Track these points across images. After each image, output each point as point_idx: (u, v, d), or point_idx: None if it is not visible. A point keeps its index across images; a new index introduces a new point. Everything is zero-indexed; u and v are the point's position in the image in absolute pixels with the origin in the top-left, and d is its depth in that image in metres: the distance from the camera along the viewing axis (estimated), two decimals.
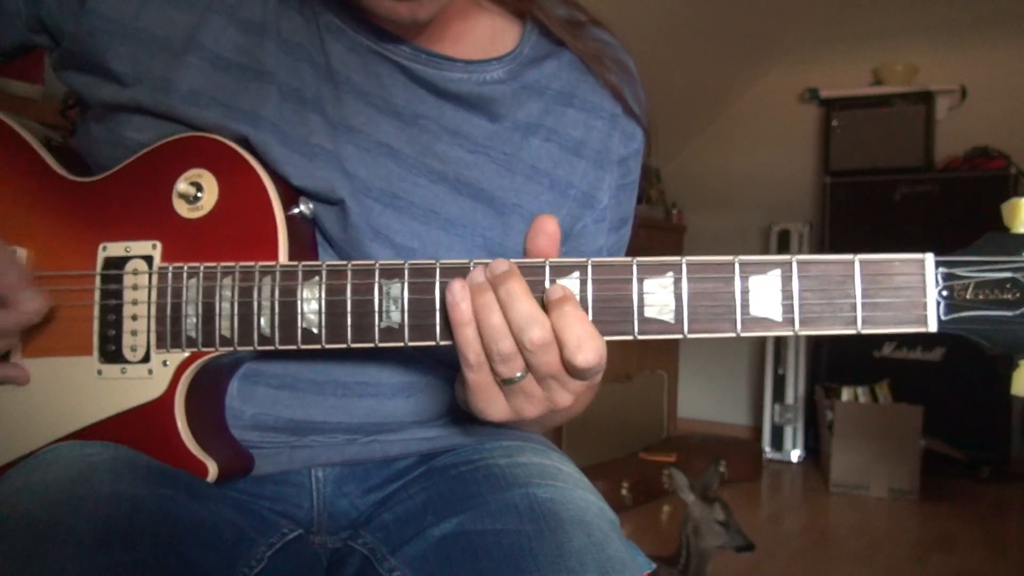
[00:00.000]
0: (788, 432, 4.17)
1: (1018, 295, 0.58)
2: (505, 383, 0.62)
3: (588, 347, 0.59)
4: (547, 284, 0.63)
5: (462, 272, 0.64)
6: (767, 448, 4.18)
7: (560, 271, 0.63)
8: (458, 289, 0.61)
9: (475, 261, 0.64)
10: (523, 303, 0.59)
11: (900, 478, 3.50)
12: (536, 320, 0.59)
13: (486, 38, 0.80)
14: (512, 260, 0.63)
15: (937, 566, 2.77)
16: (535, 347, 0.59)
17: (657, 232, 4.20)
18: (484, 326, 0.60)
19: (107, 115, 0.75)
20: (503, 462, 0.74)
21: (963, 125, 4.03)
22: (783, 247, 4.19)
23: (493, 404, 0.64)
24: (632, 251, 0.63)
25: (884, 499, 3.50)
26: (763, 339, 4.29)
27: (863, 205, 4.02)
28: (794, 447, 4.15)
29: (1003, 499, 3.55)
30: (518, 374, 0.61)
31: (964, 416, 3.69)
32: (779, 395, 4.20)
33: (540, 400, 0.63)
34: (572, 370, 0.60)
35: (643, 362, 4.04)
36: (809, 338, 4.16)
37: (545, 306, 0.61)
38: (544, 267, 0.63)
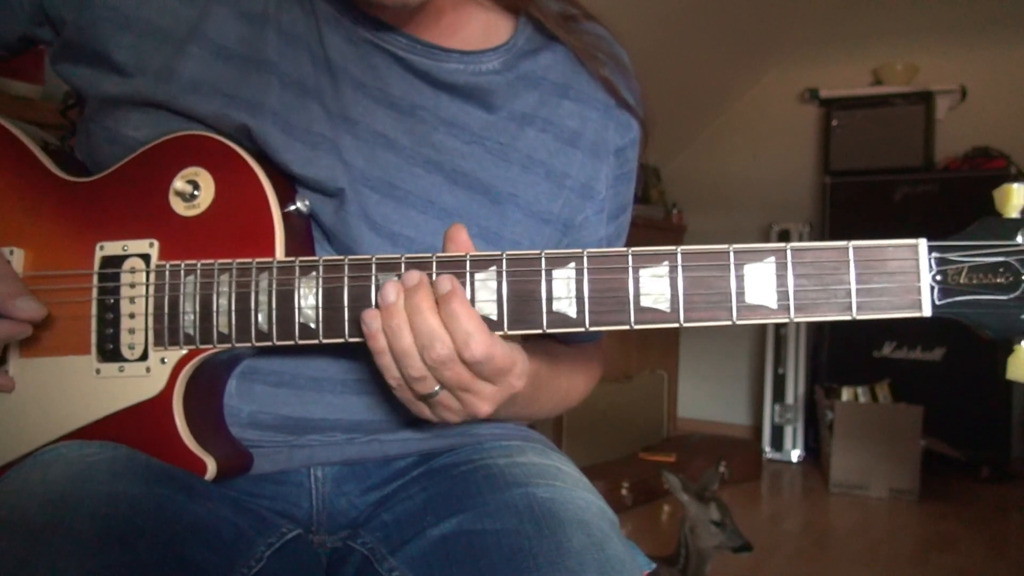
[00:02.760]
0: (788, 432, 4.16)
1: (1011, 279, 0.58)
2: (424, 399, 0.65)
3: (474, 341, 0.61)
4: (543, 275, 0.63)
5: (458, 265, 0.64)
6: (767, 448, 4.17)
7: (556, 262, 0.63)
8: (371, 319, 0.63)
9: (471, 255, 0.64)
10: (425, 319, 0.61)
11: (900, 478, 3.49)
12: (437, 337, 0.61)
13: (480, 30, 0.80)
14: (509, 252, 0.64)
15: (937, 566, 2.76)
16: (438, 363, 0.62)
17: (657, 232, 4.20)
18: (395, 349, 0.63)
19: (105, 112, 0.75)
20: (502, 462, 0.74)
21: (963, 125, 4.03)
22: None
23: (421, 413, 0.68)
24: None
25: (884, 499, 3.50)
26: (763, 339, 4.29)
27: (863, 205, 4.01)
28: (794, 447, 4.15)
29: (1003, 499, 3.54)
30: (435, 389, 0.64)
31: (964, 416, 3.68)
32: (779, 395, 4.20)
33: (458, 411, 0.66)
34: (467, 364, 0.63)
35: (643, 362, 4.03)
36: (809, 338, 4.16)
37: (436, 298, 0.62)
38: (540, 258, 0.63)
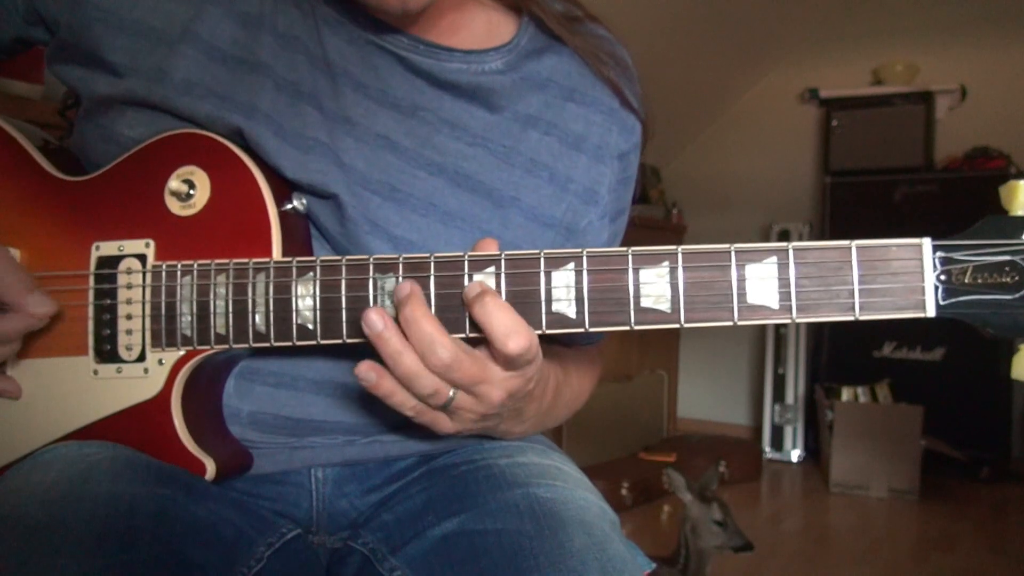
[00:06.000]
0: (788, 432, 4.16)
1: (1017, 278, 0.57)
2: (442, 408, 0.64)
3: (516, 333, 0.60)
4: (542, 276, 0.63)
5: (456, 266, 0.64)
6: (767, 448, 4.18)
7: (556, 262, 0.63)
8: (366, 370, 0.61)
9: (469, 254, 0.64)
10: (423, 326, 0.60)
11: (900, 478, 3.50)
12: (435, 342, 0.60)
13: (482, 30, 0.80)
14: (508, 252, 0.63)
15: (937, 566, 2.76)
16: (443, 368, 0.61)
17: (657, 232, 4.20)
18: (401, 376, 0.62)
19: (101, 110, 0.75)
20: (503, 462, 0.74)
21: (963, 125, 4.03)
22: None
23: (441, 426, 0.67)
24: None
25: (884, 499, 3.50)
26: (763, 338, 4.29)
27: (863, 205, 4.02)
28: (794, 447, 4.15)
29: (1003, 499, 3.54)
30: (450, 394, 0.63)
31: (964, 416, 3.68)
32: (779, 395, 4.20)
33: (474, 407, 0.65)
34: (506, 360, 0.62)
35: (643, 362, 4.03)
36: (809, 338, 4.16)
37: (465, 304, 0.62)
38: (539, 258, 0.63)
